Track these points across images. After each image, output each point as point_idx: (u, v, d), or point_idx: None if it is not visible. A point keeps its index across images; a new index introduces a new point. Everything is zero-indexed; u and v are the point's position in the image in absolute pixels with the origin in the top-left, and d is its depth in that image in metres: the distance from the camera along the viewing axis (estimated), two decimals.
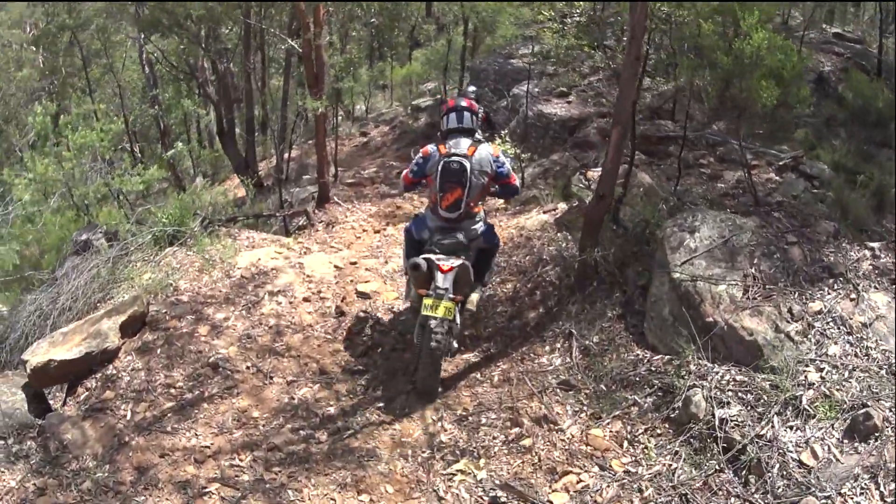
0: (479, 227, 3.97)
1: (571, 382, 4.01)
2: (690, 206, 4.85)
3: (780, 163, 5.75)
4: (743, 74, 4.28)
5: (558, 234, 5.29)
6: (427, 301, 3.61)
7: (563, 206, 5.93)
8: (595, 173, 5.75)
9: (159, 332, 4.59)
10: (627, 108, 4.24)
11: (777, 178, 5.52)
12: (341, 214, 7.32)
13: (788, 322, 3.66)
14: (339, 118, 17.09)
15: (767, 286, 3.87)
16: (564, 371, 4.09)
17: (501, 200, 6.94)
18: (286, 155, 10.26)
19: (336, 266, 5.57)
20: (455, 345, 3.94)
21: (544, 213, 5.93)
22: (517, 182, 4.11)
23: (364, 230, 6.90)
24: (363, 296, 5.14)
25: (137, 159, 18.44)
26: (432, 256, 3.73)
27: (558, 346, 4.31)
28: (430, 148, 3.95)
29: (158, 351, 4.44)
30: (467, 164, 3.77)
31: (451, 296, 3.63)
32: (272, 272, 5.32)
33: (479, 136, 4.11)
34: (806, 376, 3.38)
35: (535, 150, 8.16)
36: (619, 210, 4.92)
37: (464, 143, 3.88)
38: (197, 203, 6.36)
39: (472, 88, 6.23)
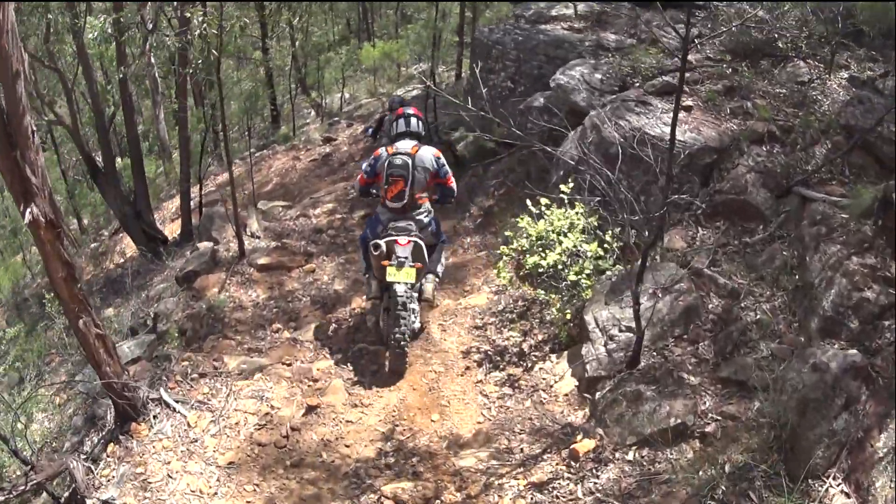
0: (426, 217, 4.27)
1: None
2: None
3: None
4: None
5: None
6: (391, 270, 3.90)
7: None
8: None
9: None
10: None
11: None
12: (162, 466, 2.80)
13: None
14: (312, 109, 12.57)
15: None
16: None
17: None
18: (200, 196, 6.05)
19: None
20: (417, 326, 4.14)
21: None
22: (454, 185, 4.42)
23: None
24: None
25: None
26: (390, 239, 4.05)
27: None
28: (381, 150, 4.34)
29: None
30: (409, 161, 4.18)
31: (412, 263, 3.96)
32: None
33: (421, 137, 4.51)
34: None
35: (623, 217, 3.81)
36: None
37: (408, 144, 4.28)
38: None
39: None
